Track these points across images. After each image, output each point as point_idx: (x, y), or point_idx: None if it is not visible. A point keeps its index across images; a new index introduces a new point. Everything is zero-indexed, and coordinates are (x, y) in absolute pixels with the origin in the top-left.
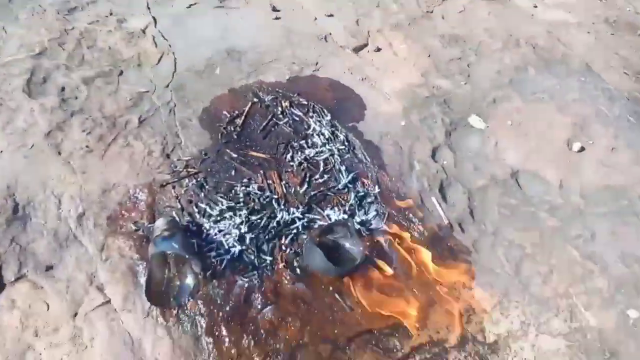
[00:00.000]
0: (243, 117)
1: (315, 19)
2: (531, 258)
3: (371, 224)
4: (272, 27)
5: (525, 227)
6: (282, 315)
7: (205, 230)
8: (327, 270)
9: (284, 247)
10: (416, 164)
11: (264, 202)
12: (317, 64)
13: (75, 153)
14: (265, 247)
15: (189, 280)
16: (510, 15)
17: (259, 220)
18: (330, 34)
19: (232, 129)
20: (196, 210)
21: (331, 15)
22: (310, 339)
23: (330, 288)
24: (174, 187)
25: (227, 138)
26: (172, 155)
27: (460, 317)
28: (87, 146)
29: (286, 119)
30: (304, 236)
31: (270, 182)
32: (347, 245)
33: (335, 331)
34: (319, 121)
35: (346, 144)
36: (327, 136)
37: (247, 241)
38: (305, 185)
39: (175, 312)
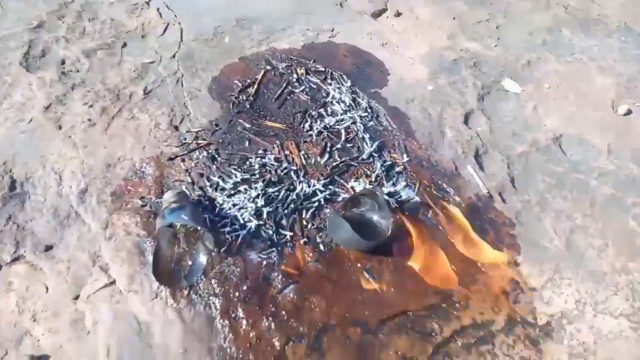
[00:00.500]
0: (256, 86)
1: None
2: (583, 230)
3: (401, 196)
4: None
5: (574, 196)
6: (305, 295)
7: (218, 205)
8: (354, 244)
9: (305, 222)
10: (447, 131)
11: (282, 173)
12: (333, 30)
13: (76, 127)
14: (284, 221)
15: (202, 258)
16: None
17: (276, 193)
18: None
19: (245, 98)
20: (208, 183)
21: None
22: (337, 322)
23: (359, 265)
24: (183, 160)
25: (240, 108)
26: (181, 127)
27: (507, 297)
28: (89, 119)
29: (302, 87)
30: (327, 210)
31: (287, 152)
32: (375, 218)
33: (365, 313)
34: (339, 88)
35: (369, 111)
36: (347, 103)
37: (265, 215)
38: (326, 156)
39: (186, 292)
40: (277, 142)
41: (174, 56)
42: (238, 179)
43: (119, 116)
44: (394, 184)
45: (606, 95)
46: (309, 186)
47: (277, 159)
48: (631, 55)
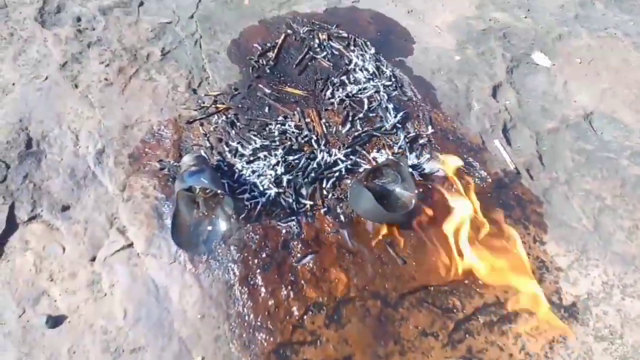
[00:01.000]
0: (276, 50)
1: None
2: (612, 211)
3: (424, 169)
4: None
5: (603, 175)
6: (325, 266)
7: (237, 171)
8: (376, 216)
9: (325, 192)
10: (475, 103)
11: (302, 141)
12: None
13: (93, 86)
14: (304, 190)
15: (221, 223)
16: None
17: (297, 161)
18: None
19: (265, 62)
20: (227, 149)
21: None
22: (356, 294)
23: (380, 237)
24: (201, 124)
25: (259, 72)
26: (199, 90)
27: (532, 275)
28: (106, 79)
29: (324, 53)
30: (348, 181)
31: (308, 120)
32: (398, 190)
33: (386, 286)
34: (362, 55)
35: (393, 80)
36: (371, 71)
37: (284, 184)
38: (348, 125)
39: (205, 257)
40: (298, 109)
41: (192, 17)
42: (257, 145)
43: (136, 77)
44: (417, 157)
45: None
46: (330, 155)
47: (297, 126)
48: None
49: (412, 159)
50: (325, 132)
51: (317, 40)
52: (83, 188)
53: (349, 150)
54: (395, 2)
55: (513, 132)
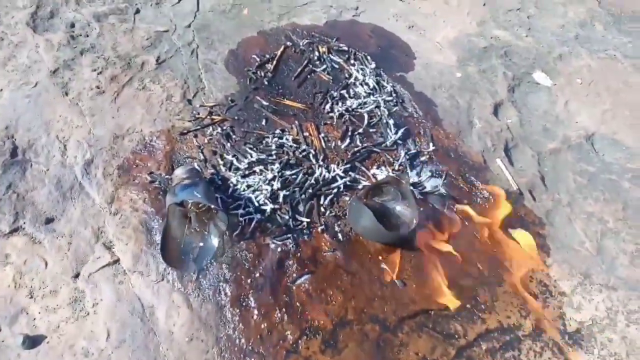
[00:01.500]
0: (275, 62)
1: None
2: (615, 234)
3: (425, 187)
4: None
5: (605, 198)
6: (322, 287)
7: (231, 186)
8: (376, 235)
9: (323, 209)
10: (476, 121)
11: (300, 156)
12: (357, 8)
13: (84, 94)
14: (301, 207)
15: (213, 240)
16: None
17: (294, 177)
18: None
19: (263, 74)
20: (221, 162)
21: None
22: (354, 317)
23: (379, 257)
24: (195, 136)
25: (257, 84)
26: (194, 101)
27: (536, 300)
28: (97, 87)
29: (324, 66)
30: (346, 198)
31: (306, 134)
32: (398, 208)
33: (385, 309)
34: (362, 69)
35: (394, 95)
36: (371, 86)
37: (281, 199)
38: (348, 140)
39: (195, 276)
40: (296, 122)
41: (189, 26)
42: (253, 159)
43: (130, 85)
44: (418, 174)
45: None
46: (329, 171)
47: (295, 140)
48: None
49: (413, 177)
50: (324, 146)
51: (316, 53)
52: (69, 200)
53: (348, 166)
54: (396, 17)
55: (515, 151)
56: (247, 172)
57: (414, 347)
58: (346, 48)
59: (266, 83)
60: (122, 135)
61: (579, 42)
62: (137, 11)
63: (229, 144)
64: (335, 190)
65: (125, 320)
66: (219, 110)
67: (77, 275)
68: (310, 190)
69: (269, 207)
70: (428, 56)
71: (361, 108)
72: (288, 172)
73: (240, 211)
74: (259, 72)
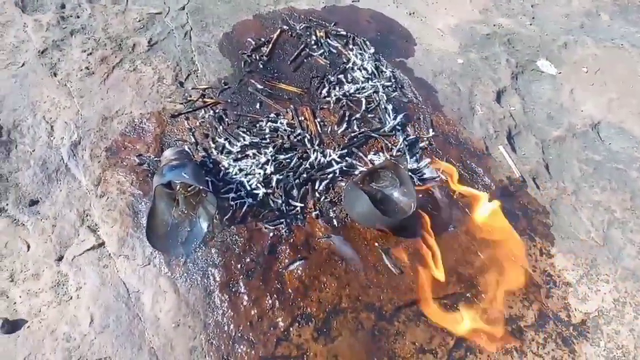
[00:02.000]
0: (271, 45)
1: None
2: (622, 224)
3: (423, 173)
4: None
5: (612, 187)
6: (315, 274)
7: (223, 169)
8: (372, 221)
9: (317, 194)
10: (478, 108)
11: (295, 140)
12: None
13: (73, 75)
14: (295, 192)
15: (202, 223)
16: None
17: (288, 161)
18: None
19: (258, 57)
20: (213, 145)
21: None
22: (349, 305)
23: (375, 244)
24: (187, 119)
25: (252, 67)
26: (186, 83)
27: (539, 290)
28: (87, 68)
29: (321, 51)
30: (342, 183)
31: (302, 118)
32: (396, 194)
33: (381, 297)
34: (361, 54)
35: (393, 80)
36: (370, 71)
37: (274, 184)
38: (344, 125)
39: (182, 260)
40: (292, 106)
41: (183, 8)
42: (247, 142)
43: (120, 67)
44: (417, 161)
45: None
46: (324, 156)
47: (290, 124)
48: None
49: (411, 163)
50: (320, 131)
51: (314, 37)
52: (54, 182)
53: (344, 151)
54: (396, 3)
55: (518, 138)
56: (239, 156)
57: (410, 336)
58: (344, 33)
59: (261, 66)
60: (111, 117)
61: (585, 31)
62: None
63: (221, 127)
64: (330, 176)
65: (110, 305)
66: (211, 93)
67: (60, 259)
68: (304, 175)
69: (261, 192)
70: (429, 42)
71: (359, 93)
72: (282, 156)
73: (232, 195)
74: (254, 55)
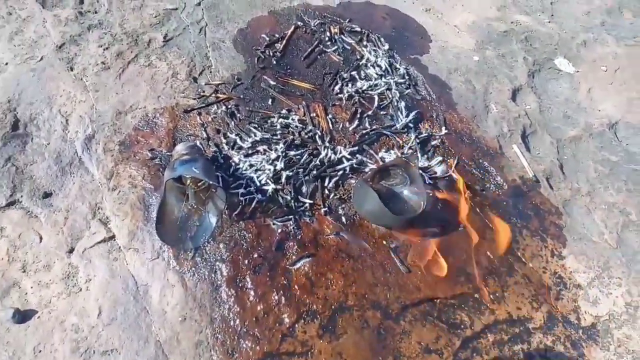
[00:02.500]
0: (285, 42)
1: None
2: (637, 226)
3: (435, 172)
4: None
5: (629, 189)
6: (322, 271)
7: (233, 164)
8: (381, 219)
9: (327, 191)
10: (493, 106)
11: (306, 136)
12: None
13: (89, 69)
14: (304, 188)
15: (211, 218)
16: None
17: (298, 157)
18: None
19: (272, 53)
20: (224, 140)
21: None
22: (355, 302)
23: (384, 242)
24: (199, 114)
25: (265, 63)
26: (200, 79)
27: (548, 291)
28: (103, 63)
29: (335, 47)
30: (352, 180)
31: (313, 115)
32: (406, 192)
33: (387, 296)
34: (374, 51)
35: (406, 77)
36: (383, 68)
37: (283, 180)
38: (356, 122)
39: (191, 255)
40: (303, 102)
41: (199, 4)
42: (257, 138)
43: (135, 62)
44: (428, 159)
45: None
46: (335, 153)
47: (301, 121)
48: None
49: (422, 161)
50: (331, 128)
51: (328, 34)
52: (68, 175)
53: (355, 148)
54: None
55: (533, 138)
56: (250, 152)
57: (416, 336)
58: (359, 29)
59: (274, 62)
60: (125, 111)
61: (605, 29)
62: None
63: (233, 123)
64: (340, 173)
65: (118, 297)
66: (224, 88)
67: (71, 251)
68: (314, 172)
69: (270, 187)
70: (444, 39)
71: (372, 90)
72: (292, 153)
73: (241, 190)
74: (267, 51)
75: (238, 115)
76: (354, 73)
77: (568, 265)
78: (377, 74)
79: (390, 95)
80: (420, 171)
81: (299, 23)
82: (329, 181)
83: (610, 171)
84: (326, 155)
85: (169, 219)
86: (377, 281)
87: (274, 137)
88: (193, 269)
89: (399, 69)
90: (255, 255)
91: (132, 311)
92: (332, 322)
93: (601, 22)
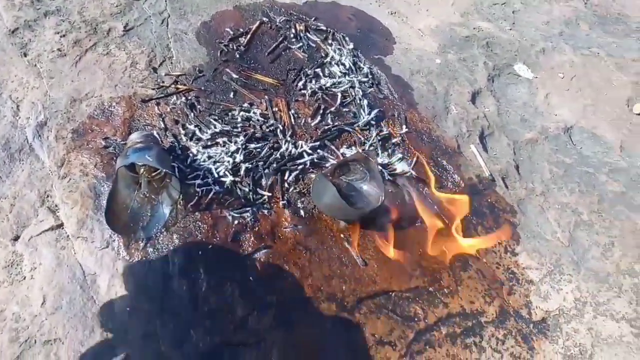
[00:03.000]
0: (249, 36)
1: None
2: (588, 226)
3: (395, 169)
4: None
5: (581, 190)
6: (278, 262)
7: (191, 155)
8: (340, 211)
9: (286, 185)
10: (453, 107)
11: (267, 130)
12: None
13: (44, 55)
14: (263, 181)
15: (164, 208)
16: None
17: (258, 150)
18: None
19: (235, 47)
20: (182, 131)
21: None
22: (310, 294)
23: (342, 235)
24: (158, 104)
25: (228, 57)
26: (160, 70)
27: (501, 287)
28: (59, 49)
29: (300, 44)
30: (312, 175)
31: (276, 109)
32: (365, 188)
33: (343, 288)
34: (339, 50)
35: (370, 77)
36: (347, 66)
37: (242, 172)
38: (318, 118)
39: (142, 245)
40: (266, 97)
41: None
42: (217, 130)
43: (93, 50)
44: (389, 156)
45: (622, 92)
46: (296, 147)
47: (263, 115)
48: None
49: (383, 158)
50: (293, 123)
51: (293, 31)
52: (17, 161)
53: (317, 143)
54: (378, 2)
55: (490, 139)
56: (209, 143)
57: (370, 328)
58: (324, 28)
59: (238, 56)
60: (80, 99)
61: (563, 38)
62: None
63: (192, 114)
64: (301, 167)
65: (64, 286)
66: (185, 80)
67: (16, 238)
68: (274, 165)
69: (228, 179)
70: (408, 42)
71: (335, 87)
72: (252, 145)
73: (198, 181)
74: (231, 45)
75: (198, 107)
76: (318, 70)
77: (521, 261)
78: (341, 72)
79: (353, 93)
80: (380, 167)
81: (264, 19)
82: (289, 175)
83: (564, 173)
84: (287, 149)
85: (120, 208)
86: (333, 274)
87: (235, 130)
88: (144, 259)
89: (363, 68)
90: (210, 247)
91: (78, 300)
92: (287, 314)
93: (559, 32)
